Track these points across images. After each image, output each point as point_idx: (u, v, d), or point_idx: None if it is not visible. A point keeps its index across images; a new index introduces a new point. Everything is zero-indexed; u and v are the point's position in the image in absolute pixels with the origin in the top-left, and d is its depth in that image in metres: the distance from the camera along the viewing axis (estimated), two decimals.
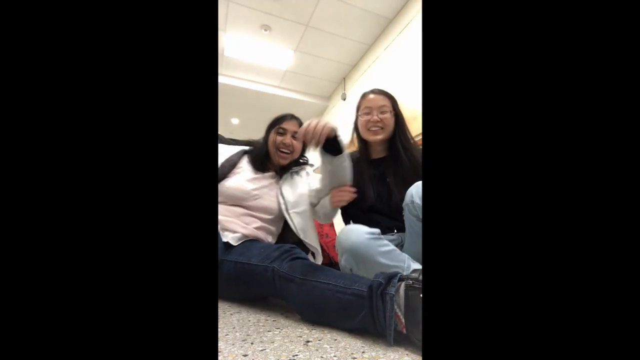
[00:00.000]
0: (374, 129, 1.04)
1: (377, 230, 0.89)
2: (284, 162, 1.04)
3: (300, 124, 1.08)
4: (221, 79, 3.86)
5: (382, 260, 0.75)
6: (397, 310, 0.49)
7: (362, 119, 1.06)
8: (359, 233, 0.82)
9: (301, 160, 1.13)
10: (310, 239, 1.00)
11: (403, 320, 0.48)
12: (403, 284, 0.50)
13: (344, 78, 4.31)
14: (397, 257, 0.77)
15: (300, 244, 0.97)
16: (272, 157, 1.04)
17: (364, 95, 1.09)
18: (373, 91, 1.09)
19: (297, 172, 1.10)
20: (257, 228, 0.95)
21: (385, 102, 1.05)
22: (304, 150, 1.11)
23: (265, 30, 3.27)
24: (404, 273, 0.61)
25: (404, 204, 0.90)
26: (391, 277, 0.54)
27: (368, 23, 3.26)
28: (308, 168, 1.14)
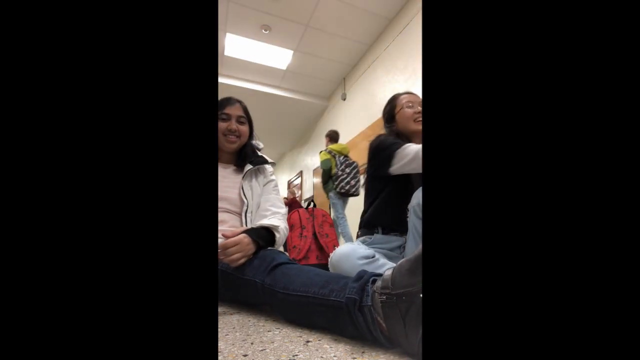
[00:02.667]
0: (419, 120, 1.10)
1: (371, 253, 0.88)
2: (233, 146, 1.02)
3: (244, 107, 1.05)
4: (221, 79, 3.87)
5: None
6: (378, 318, 0.50)
7: (407, 111, 1.12)
8: (352, 259, 0.80)
9: (259, 154, 1.10)
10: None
11: (385, 326, 0.49)
12: (377, 299, 0.50)
13: (344, 78, 4.31)
14: None
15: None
16: (221, 145, 1.02)
17: (399, 95, 1.19)
18: (408, 92, 1.20)
19: (256, 173, 1.06)
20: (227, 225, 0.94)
21: (419, 99, 1.17)
22: (251, 133, 1.08)
23: (265, 30, 3.27)
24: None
25: (409, 207, 0.90)
26: (363, 287, 0.54)
27: (368, 23, 3.26)
28: (268, 170, 1.10)
